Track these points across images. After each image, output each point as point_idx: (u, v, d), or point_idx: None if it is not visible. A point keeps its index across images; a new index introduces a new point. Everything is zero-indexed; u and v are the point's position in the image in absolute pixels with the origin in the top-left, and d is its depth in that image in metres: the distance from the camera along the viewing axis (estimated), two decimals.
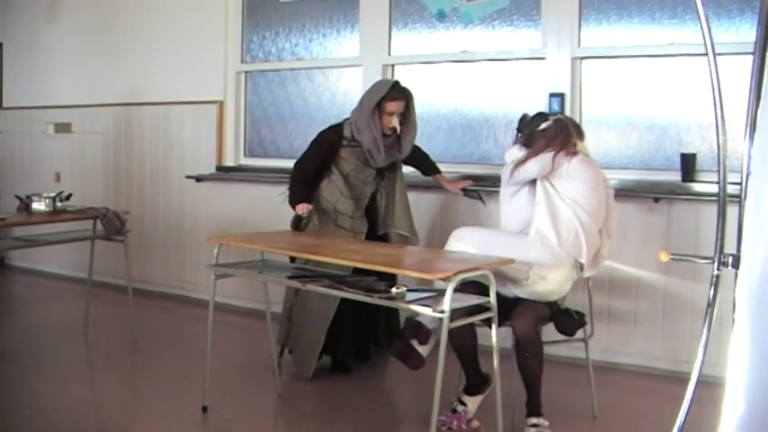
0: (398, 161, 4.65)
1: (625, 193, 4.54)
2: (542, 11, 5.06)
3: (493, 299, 3.30)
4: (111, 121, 7.11)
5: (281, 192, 4.64)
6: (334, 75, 6.08)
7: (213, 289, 3.92)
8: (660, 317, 4.71)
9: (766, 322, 1.67)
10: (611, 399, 4.22)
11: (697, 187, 4.57)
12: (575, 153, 3.74)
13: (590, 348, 4.01)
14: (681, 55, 4.68)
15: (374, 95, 4.43)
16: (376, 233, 4.58)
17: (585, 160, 3.76)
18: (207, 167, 6.51)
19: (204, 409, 3.95)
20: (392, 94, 4.41)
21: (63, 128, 7.45)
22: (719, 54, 1.96)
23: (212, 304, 3.94)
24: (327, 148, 4.52)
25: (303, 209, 4.44)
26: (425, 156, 4.90)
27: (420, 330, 3.69)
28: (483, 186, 5.01)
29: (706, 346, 2.00)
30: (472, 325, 3.64)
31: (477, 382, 3.87)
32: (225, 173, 6.44)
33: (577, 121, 4.44)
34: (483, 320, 3.40)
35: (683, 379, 2.20)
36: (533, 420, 3.67)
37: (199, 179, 6.47)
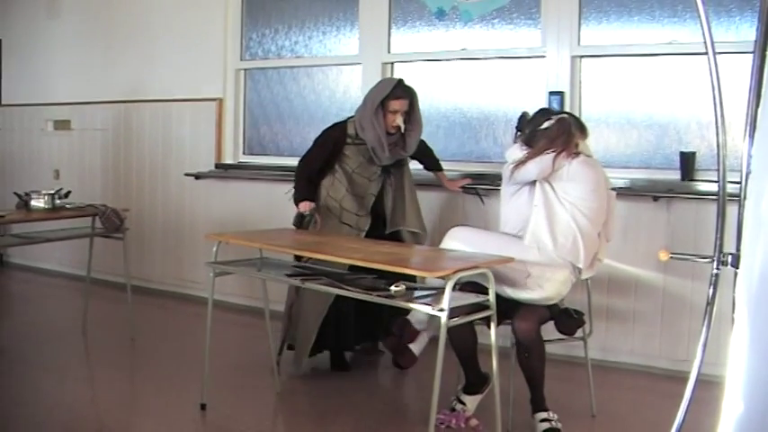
0: (405, 159, 4.63)
1: (624, 191, 4.54)
2: (542, 9, 5.06)
3: (492, 297, 3.30)
4: (111, 118, 7.11)
5: (288, 190, 4.63)
6: (333, 73, 6.08)
7: (212, 286, 3.92)
8: (659, 316, 4.71)
9: (766, 321, 1.67)
10: (609, 397, 4.22)
11: (696, 186, 4.57)
12: (576, 154, 3.70)
13: (589, 347, 4.02)
14: (680, 54, 4.68)
15: (378, 94, 4.42)
16: (384, 231, 4.52)
17: (587, 162, 3.72)
18: (206, 165, 6.50)
19: (203, 407, 3.95)
20: (396, 93, 4.40)
21: (62, 125, 7.45)
22: (719, 53, 1.96)
23: (211, 302, 3.94)
24: (332, 145, 4.52)
25: (306, 207, 4.44)
26: (430, 152, 4.90)
27: (405, 329, 3.70)
28: (482, 184, 5.02)
29: (705, 345, 1.99)
30: (472, 325, 3.63)
31: (476, 381, 3.86)
32: (224, 170, 6.44)
33: None
34: (482, 319, 3.40)
35: (681, 378, 2.20)
36: (543, 415, 3.67)
37: (198, 177, 6.47)
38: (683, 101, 4.72)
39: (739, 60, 3.96)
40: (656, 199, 4.65)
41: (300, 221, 4.47)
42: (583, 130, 3.89)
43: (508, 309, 3.64)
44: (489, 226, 4.76)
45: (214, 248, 3.92)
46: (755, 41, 1.78)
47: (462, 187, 4.98)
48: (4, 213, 4.86)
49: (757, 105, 1.75)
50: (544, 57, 5.06)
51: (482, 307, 3.35)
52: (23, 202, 5.04)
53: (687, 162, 4.59)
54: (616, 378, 4.64)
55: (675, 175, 4.65)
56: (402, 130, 4.45)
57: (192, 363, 4.50)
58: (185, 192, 6.63)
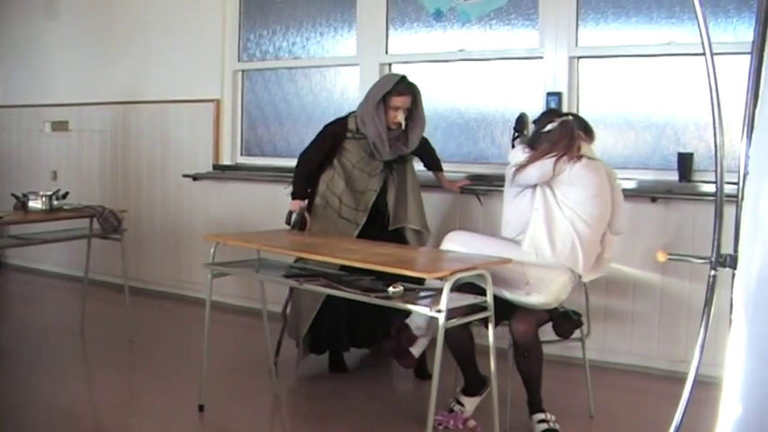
0: (407, 155, 4.60)
1: (622, 192, 4.53)
2: (540, 10, 5.06)
3: (490, 298, 3.30)
4: (109, 119, 7.10)
5: (287, 185, 4.64)
6: (331, 74, 6.08)
7: (210, 288, 3.92)
8: (657, 317, 4.71)
9: (763, 322, 1.67)
10: (607, 398, 4.22)
11: (694, 187, 4.58)
12: (578, 157, 3.67)
13: (587, 348, 4.02)
14: (678, 54, 4.68)
15: (380, 89, 4.41)
16: (387, 229, 4.51)
17: (589, 166, 3.67)
18: (204, 166, 6.50)
19: (201, 408, 3.95)
20: (398, 89, 4.38)
21: (60, 126, 7.44)
22: (717, 54, 1.96)
23: (209, 303, 3.94)
24: (332, 140, 4.51)
25: (295, 206, 4.47)
26: (432, 151, 4.88)
27: (403, 333, 3.69)
28: (480, 185, 5.01)
29: (703, 346, 1.99)
30: (468, 327, 3.63)
31: (474, 383, 3.86)
32: (222, 171, 6.43)
33: None
34: (480, 320, 3.39)
35: (679, 379, 2.20)
36: (540, 416, 3.67)
37: (196, 178, 6.46)
38: (680, 102, 4.72)
39: (737, 61, 3.96)
40: (653, 200, 4.65)
41: (289, 218, 4.48)
42: (588, 132, 3.86)
43: (506, 310, 3.63)
44: (488, 227, 4.77)
45: (212, 250, 3.92)
46: (753, 42, 1.78)
47: (461, 188, 4.98)
48: (2, 214, 4.85)
49: (755, 106, 1.75)
50: (542, 58, 5.07)
51: (480, 308, 3.35)
52: (21, 204, 5.04)
53: (685, 163, 4.60)
54: (614, 379, 4.64)
55: (673, 176, 4.66)
56: (402, 127, 4.43)
57: (189, 364, 4.50)
58: (183, 193, 6.62)
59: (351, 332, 4.57)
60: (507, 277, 3.59)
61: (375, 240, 4.27)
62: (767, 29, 1.75)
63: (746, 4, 4.43)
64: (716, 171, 1.99)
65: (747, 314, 1.70)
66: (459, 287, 3.48)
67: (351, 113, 4.58)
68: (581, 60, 4.99)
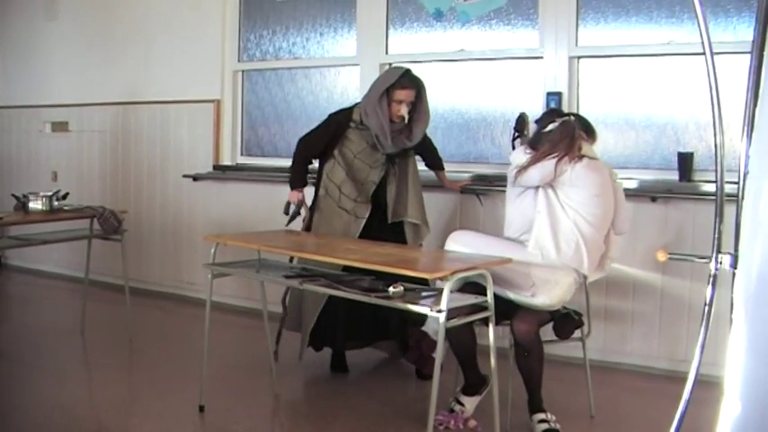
0: (409, 149, 4.58)
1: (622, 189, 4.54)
2: (540, 10, 5.06)
3: (490, 298, 3.30)
4: (109, 119, 7.10)
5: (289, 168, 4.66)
6: (331, 74, 6.08)
7: (210, 288, 3.92)
8: (658, 316, 4.71)
9: (764, 322, 1.67)
10: (608, 398, 4.22)
11: (694, 186, 4.57)
12: (580, 158, 3.67)
13: (587, 348, 4.02)
14: (678, 54, 4.68)
15: (384, 82, 4.39)
16: (387, 222, 4.48)
17: (591, 165, 3.67)
18: (204, 166, 6.50)
19: (201, 409, 3.95)
20: (402, 83, 4.34)
21: (60, 127, 7.45)
22: (717, 53, 1.95)
23: (209, 303, 3.94)
24: (334, 128, 4.49)
25: (294, 198, 4.49)
26: (434, 149, 4.88)
27: (423, 341, 3.67)
28: (480, 186, 5.01)
29: (703, 346, 1.99)
30: (471, 327, 3.63)
31: (475, 382, 3.86)
32: (222, 172, 6.43)
33: None
34: (480, 320, 3.39)
35: (680, 378, 2.20)
36: (541, 416, 3.67)
37: (196, 178, 6.46)
38: (680, 101, 4.72)
39: (737, 61, 3.96)
40: (654, 199, 4.65)
41: (287, 209, 4.47)
42: (590, 132, 3.85)
43: (508, 310, 3.63)
44: (488, 227, 4.77)
45: (212, 250, 3.92)
46: (753, 42, 1.78)
47: (462, 187, 4.97)
48: (2, 215, 4.85)
49: (755, 106, 1.75)
50: (542, 57, 5.07)
51: (481, 308, 3.35)
52: (21, 204, 5.04)
53: (685, 162, 4.60)
54: (614, 379, 4.64)
55: (673, 176, 4.66)
56: (405, 121, 4.40)
57: (190, 364, 4.50)
58: (183, 193, 6.63)
59: (350, 330, 4.54)
60: (512, 278, 3.59)
61: (375, 232, 4.28)
62: (767, 28, 1.75)
63: (746, 3, 4.43)
64: (716, 170, 1.98)
65: (748, 313, 1.70)
66: (463, 287, 3.49)
67: (356, 104, 4.56)
68: (581, 60, 4.99)
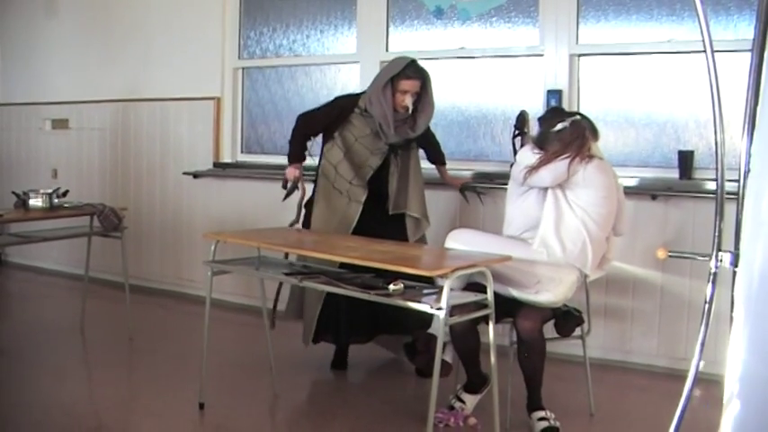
0: (413, 141, 4.55)
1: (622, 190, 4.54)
2: (540, 8, 5.05)
3: (490, 296, 3.30)
4: (109, 117, 7.10)
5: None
6: (331, 71, 6.08)
7: (210, 285, 3.91)
8: (658, 314, 4.71)
9: (765, 320, 1.67)
10: (608, 396, 4.22)
11: (695, 185, 4.57)
12: (590, 158, 3.66)
13: (587, 346, 4.02)
14: (679, 52, 4.67)
15: (388, 71, 4.36)
16: (388, 213, 4.47)
17: (600, 167, 3.67)
18: (204, 164, 6.50)
19: (201, 406, 3.95)
20: (407, 73, 4.31)
21: (60, 124, 7.43)
22: (717, 51, 1.95)
23: (209, 301, 3.93)
24: (338, 112, 4.47)
25: (291, 175, 4.48)
26: (437, 143, 4.86)
27: (432, 344, 3.65)
28: (480, 184, 5.01)
29: (703, 344, 1.99)
30: (475, 326, 3.63)
31: (477, 381, 3.87)
32: (222, 169, 6.43)
33: None
34: (481, 317, 3.39)
35: (680, 376, 2.20)
36: (540, 414, 3.67)
37: (196, 176, 6.46)
38: (681, 99, 4.72)
39: (738, 58, 3.96)
40: (654, 197, 4.65)
41: (285, 184, 4.49)
42: (594, 131, 3.85)
43: (510, 307, 3.63)
44: (487, 225, 4.76)
45: (212, 247, 3.92)
46: (754, 40, 1.78)
47: (462, 185, 4.94)
48: (2, 212, 4.85)
49: (756, 104, 1.75)
50: (542, 55, 5.06)
51: (481, 305, 3.35)
52: (21, 202, 5.03)
53: (685, 161, 4.59)
54: (614, 377, 4.64)
55: (674, 174, 4.66)
56: (409, 112, 4.37)
57: (190, 362, 4.50)
58: (183, 191, 6.62)
59: (353, 325, 4.51)
60: (516, 276, 3.59)
61: (375, 224, 4.28)
62: None
63: (747, 1, 4.43)
64: (716, 168, 1.98)
65: (748, 312, 1.70)
66: (467, 286, 3.49)
67: (364, 92, 4.54)
68: (581, 58, 4.99)
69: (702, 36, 1.93)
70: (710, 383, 2.07)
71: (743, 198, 1.76)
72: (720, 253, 1.89)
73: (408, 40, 5.62)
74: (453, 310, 3.18)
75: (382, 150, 4.45)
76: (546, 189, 3.71)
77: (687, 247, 4.44)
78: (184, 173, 6.50)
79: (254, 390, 4.31)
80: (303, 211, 4.58)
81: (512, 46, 5.21)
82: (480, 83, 5.40)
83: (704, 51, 1.93)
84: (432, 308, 3.10)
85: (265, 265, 4.04)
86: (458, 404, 3.85)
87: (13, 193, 5.13)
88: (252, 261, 4.06)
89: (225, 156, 6.49)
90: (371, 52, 5.71)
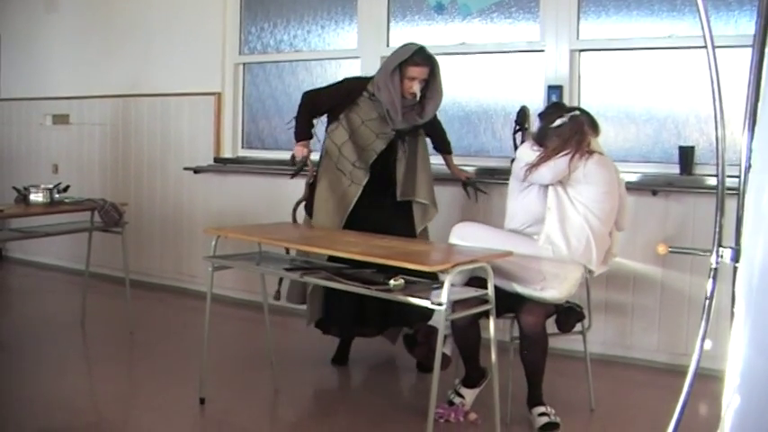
0: (420, 127, 4.53)
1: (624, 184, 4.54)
2: (541, 3, 5.05)
3: (491, 291, 3.30)
4: (109, 112, 7.10)
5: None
6: (332, 67, 6.07)
7: (210, 281, 3.92)
8: (658, 310, 4.71)
9: (766, 315, 1.67)
10: (608, 391, 4.23)
11: (695, 180, 4.57)
12: (590, 153, 3.65)
13: (588, 341, 4.02)
14: (680, 48, 4.67)
15: (396, 58, 4.32)
16: (396, 200, 4.45)
17: (601, 162, 3.66)
18: (205, 159, 6.49)
19: (201, 401, 3.95)
20: (415, 60, 4.27)
21: (61, 119, 7.44)
22: (718, 47, 1.95)
23: (209, 296, 3.94)
24: (345, 94, 4.45)
25: (299, 153, 4.45)
26: (443, 132, 4.84)
27: (432, 337, 3.65)
28: (481, 179, 5.00)
29: (704, 339, 1.99)
30: (477, 322, 3.63)
31: (475, 375, 3.87)
32: (223, 164, 6.43)
33: None
34: (482, 312, 3.40)
35: (680, 372, 2.20)
36: (541, 409, 3.68)
37: (197, 171, 6.46)
38: (681, 95, 4.71)
39: (738, 54, 3.95)
40: (654, 193, 4.65)
41: (293, 162, 4.48)
42: (595, 127, 3.83)
43: (512, 303, 3.63)
44: (489, 219, 4.76)
45: (213, 243, 3.92)
46: (755, 35, 1.78)
47: (466, 178, 4.91)
48: (3, 208, 4.86)
49: (756, 99, 1.75)
50: (543, 51, 5.06)
51: (482, 301, 3.35)
52: (22, 197, 5.04)
53: (686, 156, 4.59)
54: (615, 372, 4.64)
55: (674, 170, 4.65)
56: (417, 98, 4.35)
57: (190, 357, 4.50)
58: (184, 186, 6.62)
59: (361, 317, 4.45)
60: (521, 272, 3.60)
61: (383, 210, 4.28)
62: None
63: None
64: (717, 164, 1.98)
65: (749, 307, 1.70)
66: (470, 281, 3.49)
67: (373, 76, 4.50)
68: (582, 53, 4.98)
69: (703, 31, 1.93)
70: (711, 378, 2.07)
71: (743, 194, 1.76)
72: (721, 248, 1.89)
73: (409, 36, 5.59)
74: (454, 305, 3.18)
75: (388, 135, 4.42)
76: (546, 185, 3.70)
77: (688, 243, 4.44)
78: (185, 168, 6.50)
79: (254, 385, 4.32)
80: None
81: (512, 41, 5.21)
82: (481, 78, 5.40)
83: (705, 47, 1.93)
84: (432, 303, 3.10)
85: (266, 261, 4.04)
86: (457, 399, 3.86)
87: (14, 188, 5.14)
88: (253, 256, 4.06)
89: (226, 151, 6.49)
90: (372, 47, 5.70)
